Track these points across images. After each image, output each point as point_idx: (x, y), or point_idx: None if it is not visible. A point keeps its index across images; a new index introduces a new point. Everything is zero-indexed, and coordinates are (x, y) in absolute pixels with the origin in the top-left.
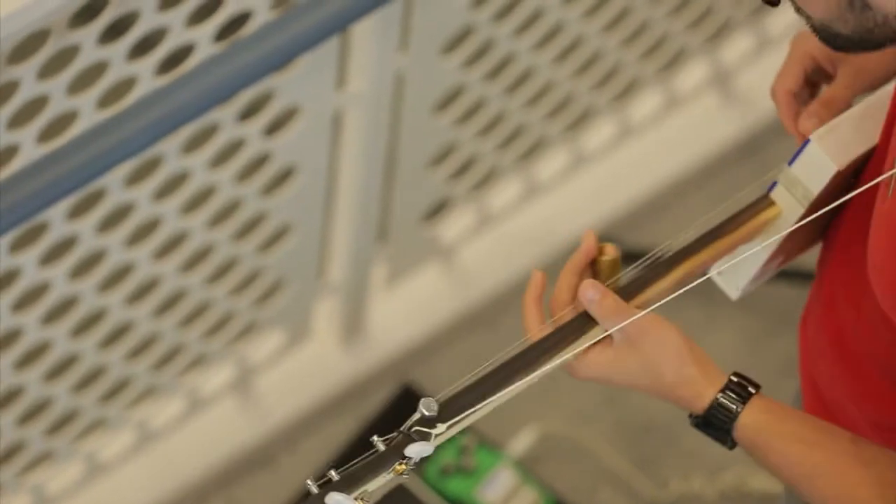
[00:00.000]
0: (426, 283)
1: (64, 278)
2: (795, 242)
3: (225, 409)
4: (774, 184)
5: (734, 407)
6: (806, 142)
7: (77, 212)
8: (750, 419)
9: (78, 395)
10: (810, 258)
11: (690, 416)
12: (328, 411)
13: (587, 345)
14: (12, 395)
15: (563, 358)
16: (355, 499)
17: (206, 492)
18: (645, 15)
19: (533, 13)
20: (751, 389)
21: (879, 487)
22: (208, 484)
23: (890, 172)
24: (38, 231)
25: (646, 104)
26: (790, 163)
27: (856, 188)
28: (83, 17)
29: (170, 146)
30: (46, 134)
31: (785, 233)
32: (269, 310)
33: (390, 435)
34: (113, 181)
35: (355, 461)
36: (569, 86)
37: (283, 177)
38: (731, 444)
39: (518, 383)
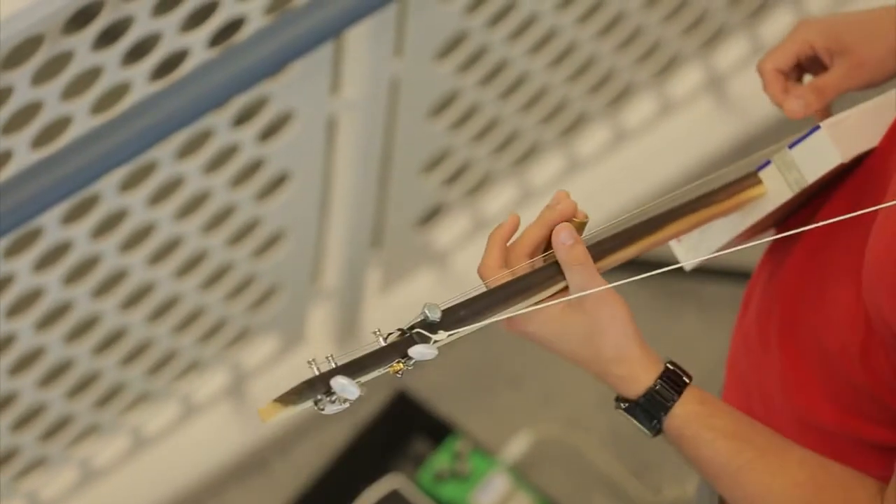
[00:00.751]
0: (420, 288)
1: (58, 284)
2: (766, 222)
3: (219, 415)
4: (767, 163)
5: (670, 396)
6: (814, 128)
7: (71, 217)
8: (682, 410)
9: (72, 400)
10: None
11: (618, 398)
12: (322, 417)
13: (551, 293)
14: (6, 401)
15: (537, 298)
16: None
17: (200, 497)
18: (639, 20)
19: (527, 19)
20: (685, 379)
21: (814, 489)
22: (202, 489)
23: None
24: (32, 237)
25: (640, 110)
26: (791, 146)
27: (848, 184)
28: (77, 22)
29: (164, 152)
30: (40, 140)
31: (765, 214)
32: (264, 315)
33: (392, 332)
34: (107, 187)
35: (357, 351)
36: (563, 91)
37: (278, 182)
38: (655, 432)
39: (515, 308)
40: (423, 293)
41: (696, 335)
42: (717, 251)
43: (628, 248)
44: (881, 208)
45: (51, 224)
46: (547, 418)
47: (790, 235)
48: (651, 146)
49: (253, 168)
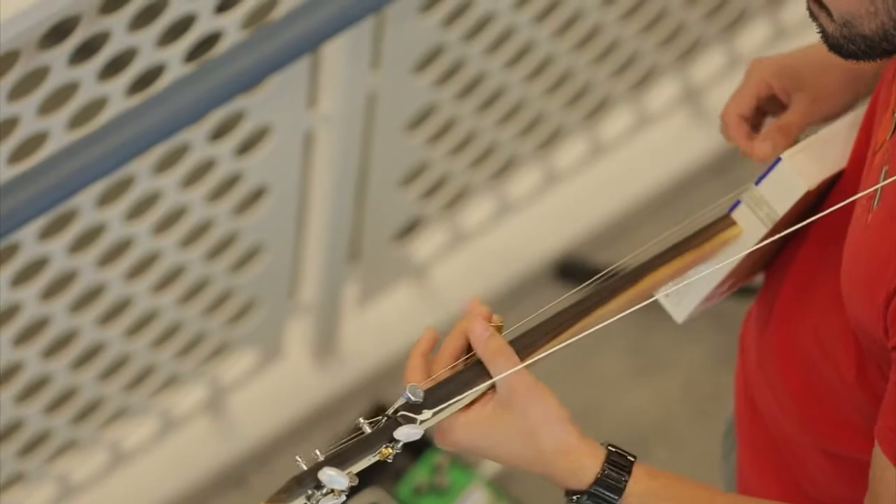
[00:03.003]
0: (398, 302)
1: (35, 299)
2: (749, 265)
3: (197, 430)
4: (737, 203)
5: (620, 477)
6: (776, 161)
7: (48, 232)
8: (636, 488)
9: (49, 416)
10: None
11: (568, 492)
12: (300, 431)
13: (475, 391)
14: None
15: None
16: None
17: None
18: (615, 33)
19: (503, 32)
20: (630, 458)
21: None
22: None
23: (875, 187)
24: (9, 252)
25: (616, 123)
26: (757, 182)
27: (820, 212)
28: (54, 37)
29: (141, 166)
30: (17, 155)
31: (744, 253)
32: (242, 330)
33: (376, 418)
34: (84, 202)
35: (342, 441)
36: (540, 104)
37: (255, 197)
38: None
39: (486, 384)
40: (402, 307)
41: (674, 348)
42: (706, 300)
43: (608, 305)
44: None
45: (28, 239)
46: None
47: (775, 279)
48: (628, 159)
49: (230, 182)
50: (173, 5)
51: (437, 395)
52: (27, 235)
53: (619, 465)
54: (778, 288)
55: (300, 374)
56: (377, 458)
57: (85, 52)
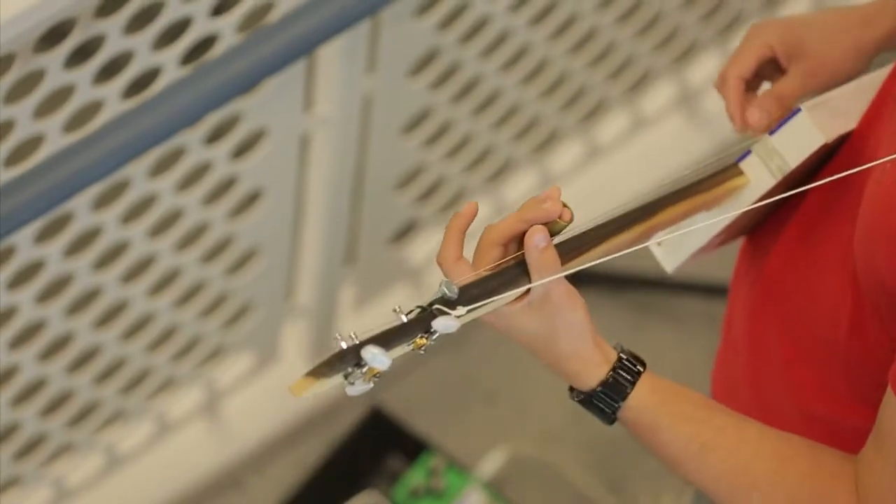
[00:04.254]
0: (394, 305)
1: (31, 302)
2: (745, 220)
3: (193, 433)
4: (747, 153)
5: (623, 388)
6: (794, 111)
7: (44, 236)
8: (638, 400)
9: (45, 419)
10: None
11: (572, 389)
12: (296, 434)
13: (520, 291)
14: None
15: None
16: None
17: None
18: (611, 36)
19: (500, 35)
20: (639, 368)
21: (775, 462)
22: None
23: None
24: (4, 255)
25: (613, 125)
26: (771, 133)
27: (828, 171)
28: (49, 40)
29: (137, 170)
30: (12, 158)
31: (750, 205)
32: (238, 333)
33: (411, 308)
34: (80, 205)
35: (381, 327)
36: (535, 107)
37: (251, 200)
38: (611, 421)
39: (522, 288)
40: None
41: (668, 349)
42: (698, 252)
43: (603, 245)
44: (869, 173)
45: (23, 242)
46: (522, 434)
47: (771, 237)
48: (624, 162)
49: (226, 186)
50: (169, 8)
51: (473, 293)
52: (23, 239)
53: (627, 372)
54: (771, 246)
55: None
56: (411, 346)
57: (81, 55)
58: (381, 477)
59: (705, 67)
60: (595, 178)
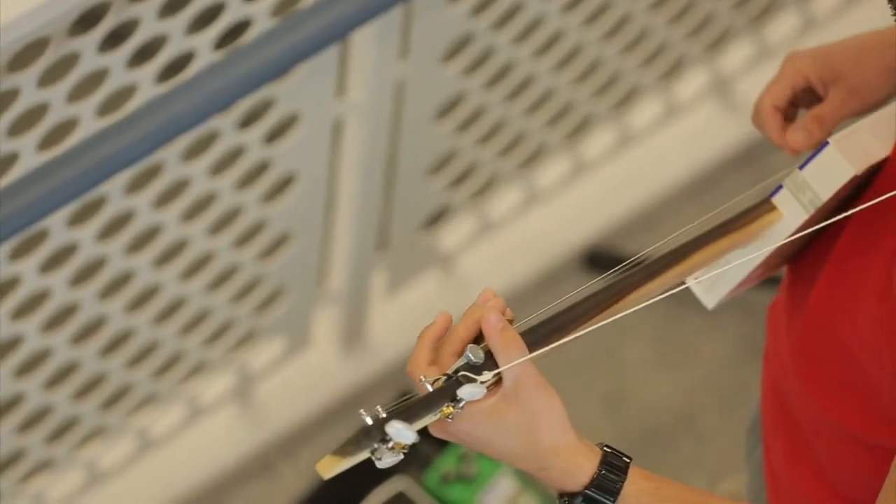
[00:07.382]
0: (426, 291)
1: (64, 286)
2: (782, 253)
3: (224, 417)
4: (779, 188)
5: (617, 478)
6: (822, 145)
7: (77, 219)
8: (632, 489)
9: (78, 402)
10: None
11: (561, 495)
12: (327, 419)
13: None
14: (12, 402)
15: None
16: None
17: (205, 500)
18: (645, 22)
19: (533, 21)
20: (626, 459)
21: None
22: (207, 492)
23: None
24: (38, 239)
25: (645, 112)
26: (801, 167)
27: (863, 200)
28: (83, 24)
29: (170, 154)
30: (46, 142)
31: (785, 239)
32: (269, 317)
33: (437, 377)
34: (113, 189)
35: (405, 398)
36: (568, 93)
37: (283, 184)
38: None
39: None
40: (429, 296)
41: (700, 338)
42: (738, 286)
43: (646, 286)
44: None
45: (57, 226)
46: None
47: (809, 267)
48: (657, 149)
49: (259, 170)
50: None
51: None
52: (56, 222)
53: (614, 465)
54: (813, 276)
55: (327, 363)
56: (438, 416)
57: (114, 39)
58: (411, 462)
59: (739, 55)
60: (628, 164)
